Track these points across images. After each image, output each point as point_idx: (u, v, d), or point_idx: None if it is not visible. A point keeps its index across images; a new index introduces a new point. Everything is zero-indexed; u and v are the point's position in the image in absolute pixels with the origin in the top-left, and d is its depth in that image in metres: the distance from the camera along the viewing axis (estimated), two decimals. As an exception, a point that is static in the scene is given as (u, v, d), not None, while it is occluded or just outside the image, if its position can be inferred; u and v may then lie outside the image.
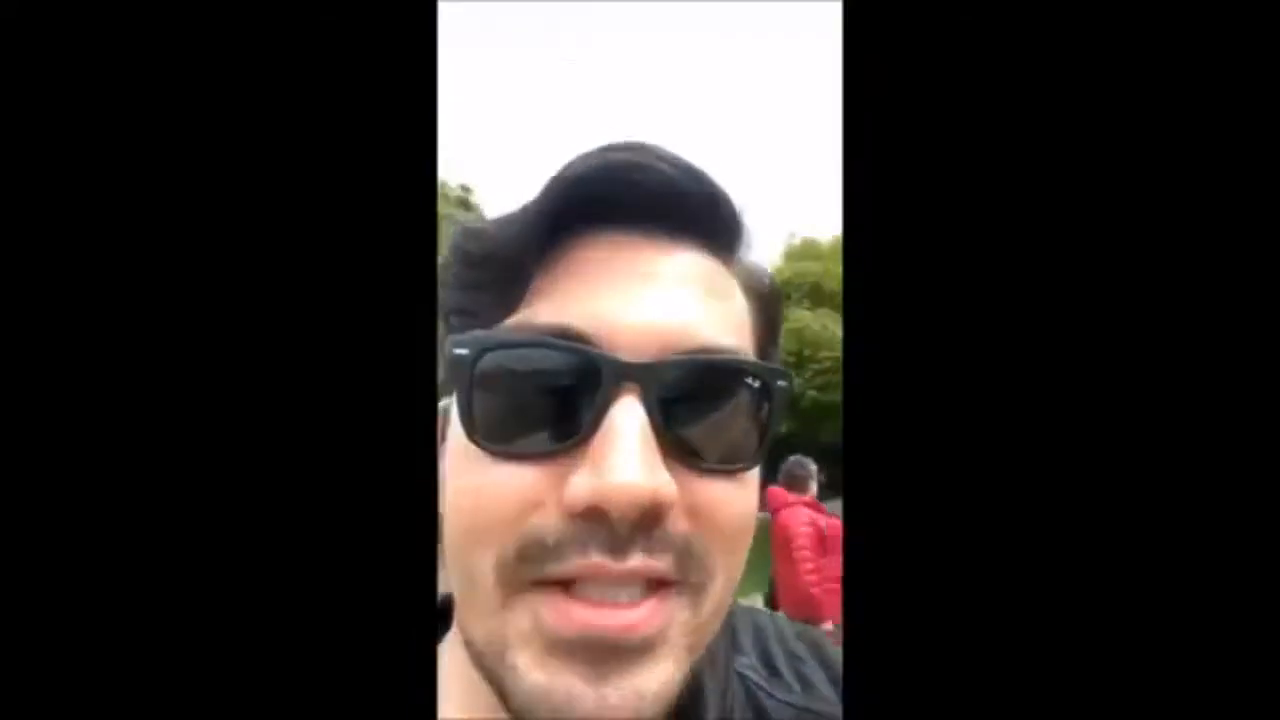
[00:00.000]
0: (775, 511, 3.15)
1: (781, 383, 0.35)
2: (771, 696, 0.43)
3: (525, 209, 0.34)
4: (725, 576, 0.34)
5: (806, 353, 10.32)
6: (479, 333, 0.33)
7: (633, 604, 0.31)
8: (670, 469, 0.31)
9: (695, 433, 0.33)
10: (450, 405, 0.36)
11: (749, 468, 0.35)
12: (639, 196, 0.34)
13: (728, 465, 0.34)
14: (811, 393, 9.96)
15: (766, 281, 0.39)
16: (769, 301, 0.39)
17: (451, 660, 0.38)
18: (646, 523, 0.30)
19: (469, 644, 0.35)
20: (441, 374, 0.36)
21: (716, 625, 0.35)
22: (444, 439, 0.37)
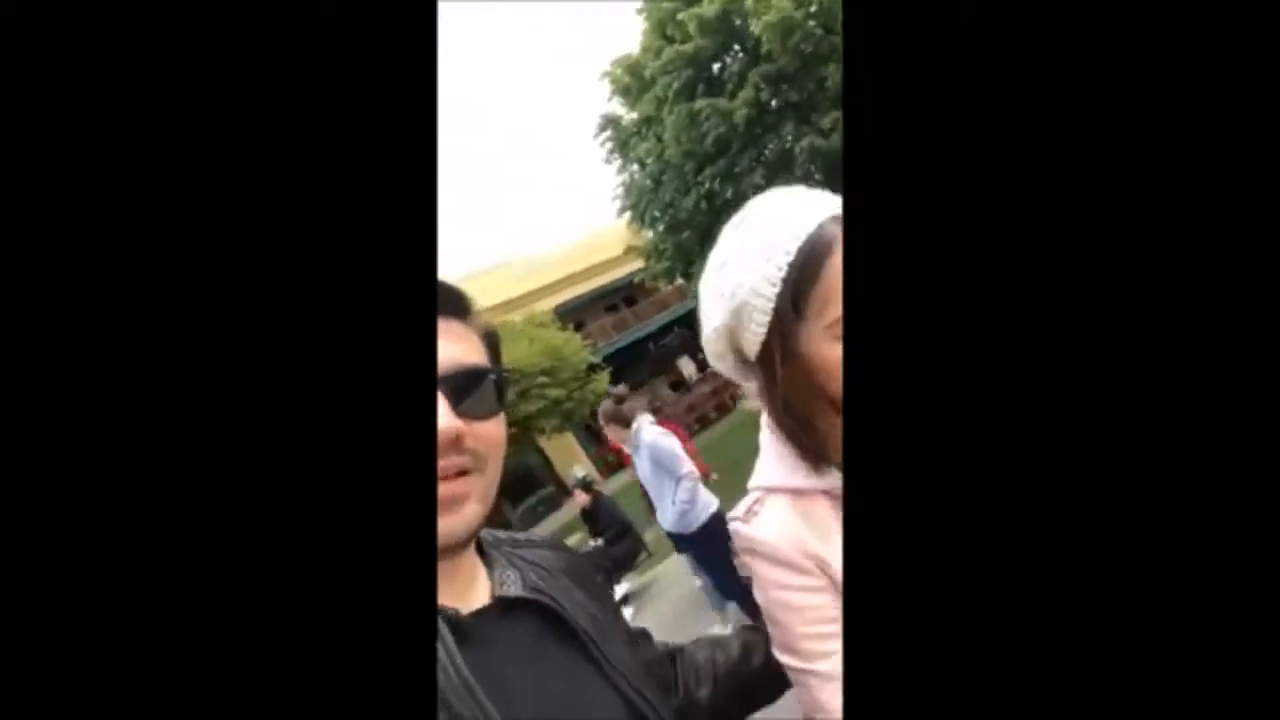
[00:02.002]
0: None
1: (505, 374, 0.71)
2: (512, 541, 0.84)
3: None
4: (494, 469, 0.69)
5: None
6: None
7: (454, 480, 0.64)
8: (462, 418, 0.63)
9: (470, 402, 0.66)
10: None
11: (497, 413, 0.70)
12: None
13: (489, 414, 0.68)
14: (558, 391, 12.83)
15: (489, 330, 0.74)
16: (491, 339, 0.74)
17: None
18: (453, 443, 0.63)
19: None
20: None
21: (492, 494, 0.69)
22: None
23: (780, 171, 10.20)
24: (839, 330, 0.71)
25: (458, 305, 0.71)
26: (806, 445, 0.78)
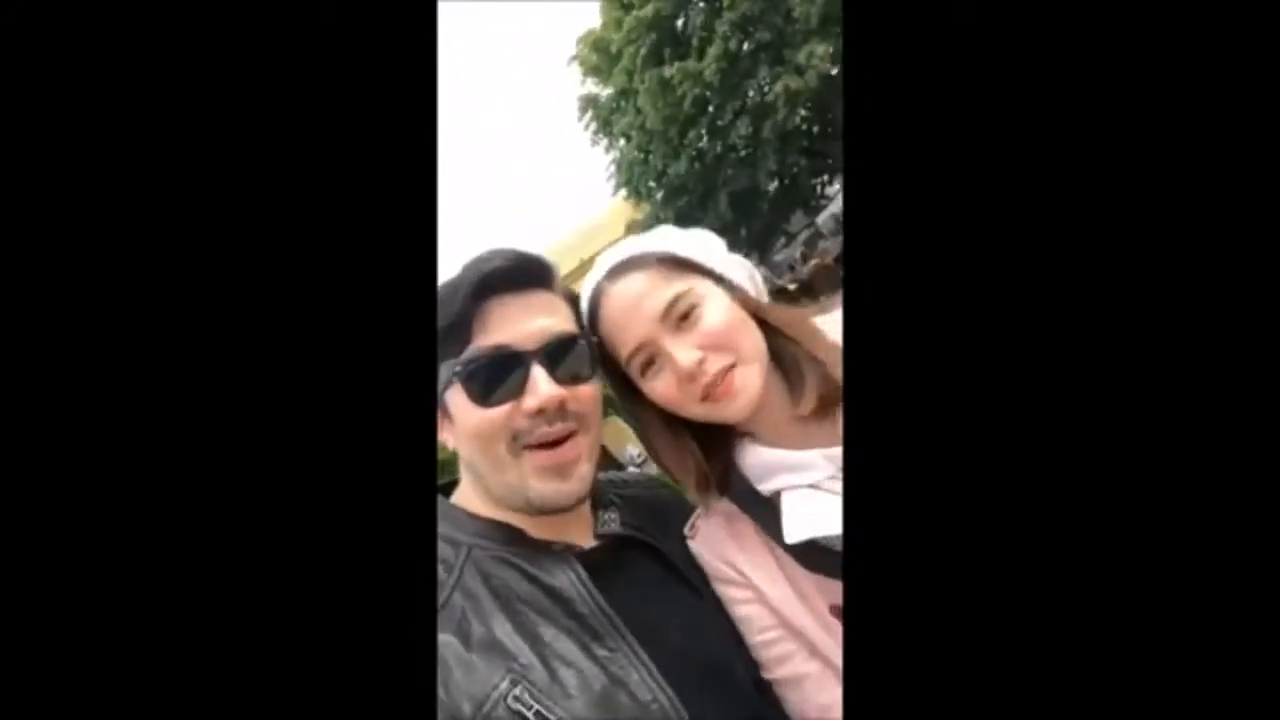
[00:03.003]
0: None
1: (593, 339, 0.80)
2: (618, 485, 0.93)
3: (455, 292, 0.72)
4: (596, 426, 0.78)
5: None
6: (464, 356, 0.73)
7: (564, 445, 0.73)
8: (561, 384, 0.72)
9: (564, 368, 0.74)
10: (447, 395, 0.74)
11: (590, 378, 0.78)
12: (506, 276, 0.74)
13: (582, 378, 0.76)
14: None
15: (573, 296, 0.83)
16: (576, 305, 0.82)
17: (468, 501, 0.80)
18: (558, 408, 0.72)
19: (486, 489, 0.77)
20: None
21: (597, 450, 0.78)
22: (448, 416, 0.77)
23: (766, 118, 10.12)
24: (636, 361, 0.78)
25: (543, 276, 0.77)
26: (693, 477, 0.83)
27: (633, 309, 0.77)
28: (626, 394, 0.84)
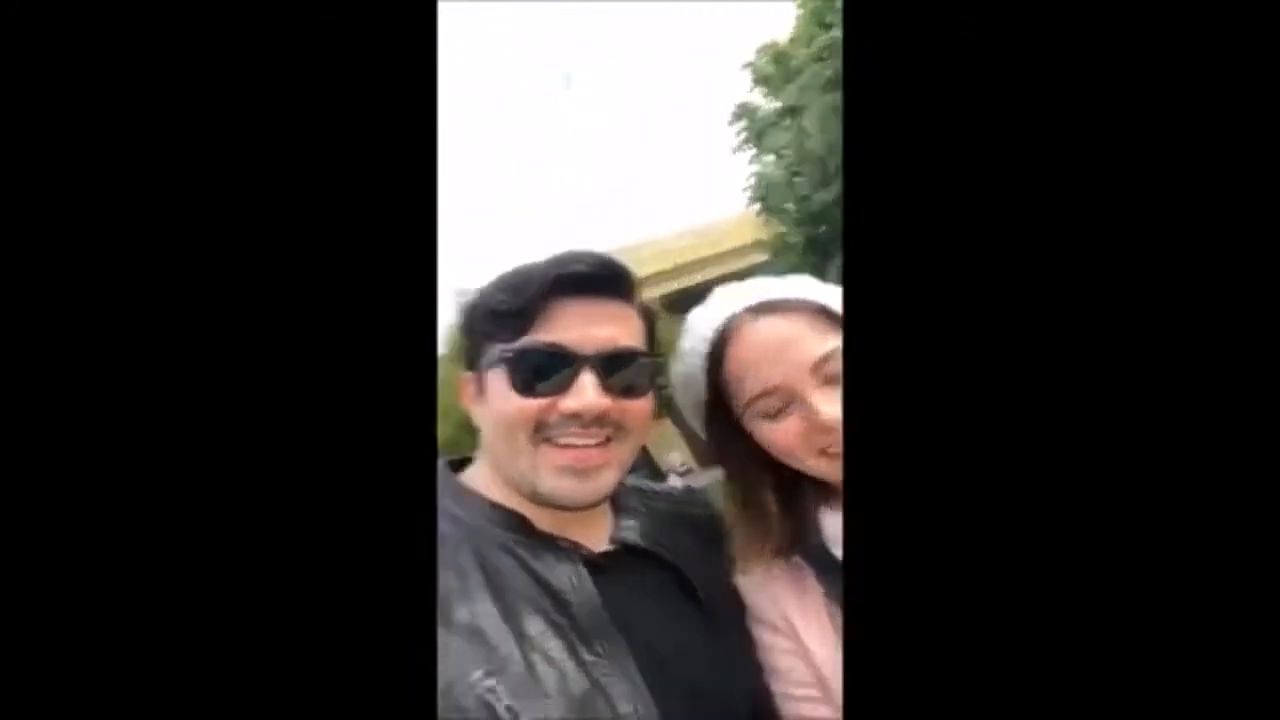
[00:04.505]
0: None
1: (657, 359, 0.81)
2: (649, 491, 0.93)
3: (527, 282, 0.73)
4: (636, 440, 0.78)
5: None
6: (516, 344, 0.73)
7: (595, 449, 0.73)
8: (610, 394, 0.73)
9: (618, 378, 0.74)
10: (488, 373, 0.75)
11: (646, 391, 0.78)
12: (584, 280, 0.75)
13: (636, 392, 0.77)
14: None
15: (648, 314, 0.83)
16: (650, 323, 0.83)
17: (480, 482, 0.80)
18: (598, 415, 0.73)
19: (499, 472, 0.77)
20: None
21: (630, 462, 0.78)
22: (483, 392, 0.78)
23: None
24: (763, 403, 0.75)
25: (619, 286, 0.77)
26: (757, 530, 0.81)
27: (778, 352, 0.75)
28: (726, 437, 0.81)
